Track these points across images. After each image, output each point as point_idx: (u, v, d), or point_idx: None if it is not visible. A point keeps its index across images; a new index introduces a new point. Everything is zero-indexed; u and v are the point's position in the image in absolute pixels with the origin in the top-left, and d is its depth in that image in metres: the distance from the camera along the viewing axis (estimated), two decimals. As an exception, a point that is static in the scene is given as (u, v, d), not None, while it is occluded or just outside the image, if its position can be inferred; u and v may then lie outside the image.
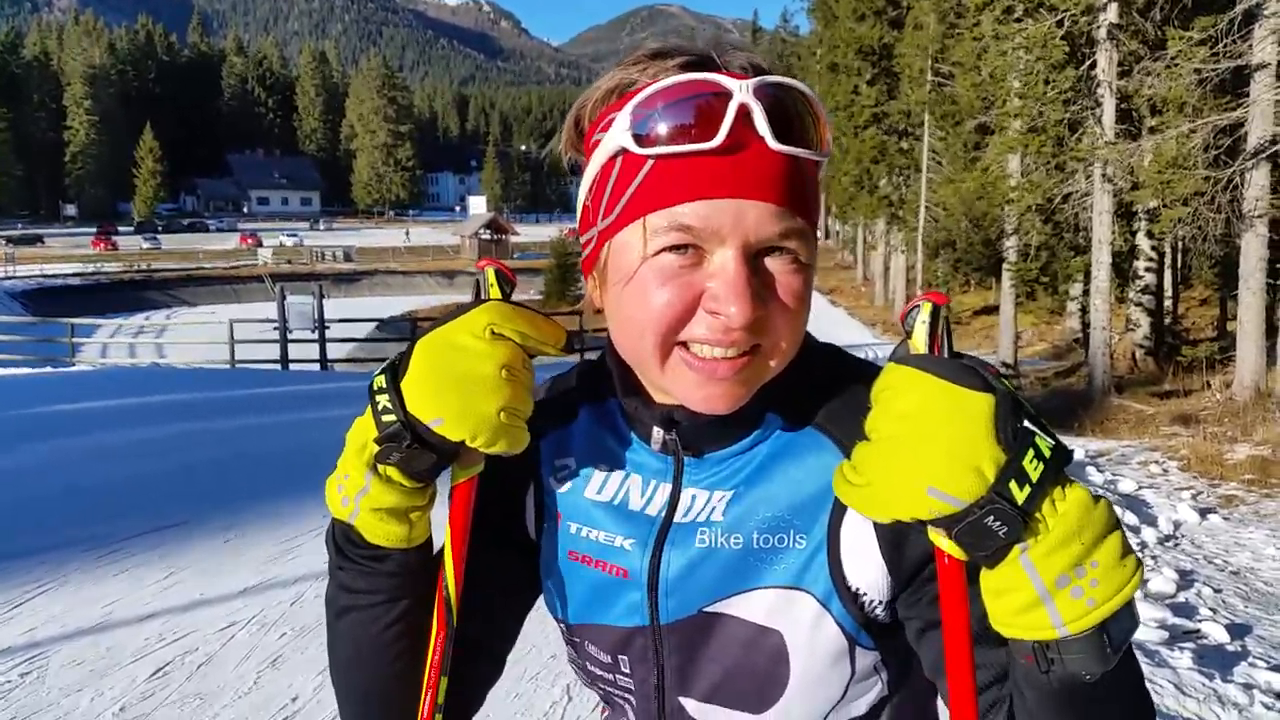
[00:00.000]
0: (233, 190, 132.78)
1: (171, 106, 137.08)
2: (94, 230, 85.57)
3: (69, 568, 5.12)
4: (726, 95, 0.79)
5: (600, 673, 1.02)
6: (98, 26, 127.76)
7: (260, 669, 4.04)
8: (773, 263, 0.82)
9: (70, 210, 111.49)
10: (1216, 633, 4.99)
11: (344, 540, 0.91)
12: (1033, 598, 0.69)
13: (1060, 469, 0.69)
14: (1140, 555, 0.75)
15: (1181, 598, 5.60)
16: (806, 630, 0.90)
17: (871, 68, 34.77)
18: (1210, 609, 5.43)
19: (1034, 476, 0.68)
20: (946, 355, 0.74)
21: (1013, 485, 0.67)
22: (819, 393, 0.94)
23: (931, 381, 0.71)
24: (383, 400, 0.84)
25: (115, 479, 7.04)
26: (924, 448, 0.69)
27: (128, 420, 9.85)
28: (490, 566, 1.02)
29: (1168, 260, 24.28)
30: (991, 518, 0.67)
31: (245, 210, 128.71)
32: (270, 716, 3.62)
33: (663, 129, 0.80)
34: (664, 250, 0.81)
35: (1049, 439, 0.69)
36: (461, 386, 0.82)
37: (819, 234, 0.90)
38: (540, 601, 1.10)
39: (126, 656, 4.13)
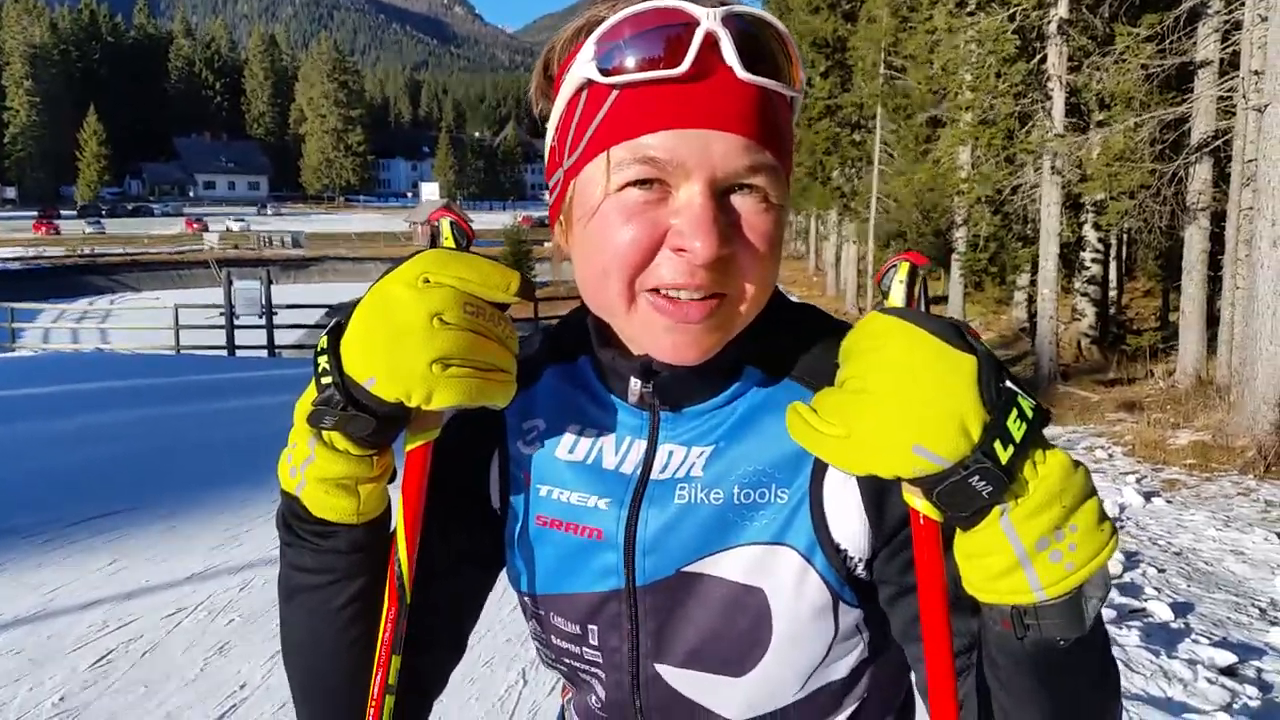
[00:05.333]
0: (179, 174, 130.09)
1: (116, 88, 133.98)
2: (35, 214, 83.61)
3: (8, 555, 5.00)
4: (694, 23, 0.76)
5: (566, 645, 0.97)
6: (38, 5, 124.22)
7: (207, 656, 3.97)
8: (741, 201, 0.79)
9: (10, 193, 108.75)
10: (1161, 611, 5.10)
11: (291, 515, 0.86)
12: (1012, 561, 0.67)
13: (1041, 430, 0.67)
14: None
15: (1128, 578, 5.71)
16: (790, 587, 0.87)
17: (825, 60, 34.85)
18: (1155, 588, 5.55)
19: (1017, 436, 0.66)
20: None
21: (997, 444, 0.65)
22: (798, 345, 0.91)
23: (920, 334, 0.68)
24: (322, 362, 0.78)
25: (58, 465, 6.88)
26: (912, 403, 0.66)
27: (70, 406, 9.63)
28: (452, 541, 0.97)
29: (1113, 252, 24.74)
30: (976, 477, 0.65)
31: (191, 195, 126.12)
32: (218, 703, 3.56)
33: (628, 59, 0.77)
34: (628, 185, 0.78)
35: (1030, 399, 0.68)
36: (390, 341, 0.75)
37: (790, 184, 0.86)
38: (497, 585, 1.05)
39: (68, 644, 4.04)
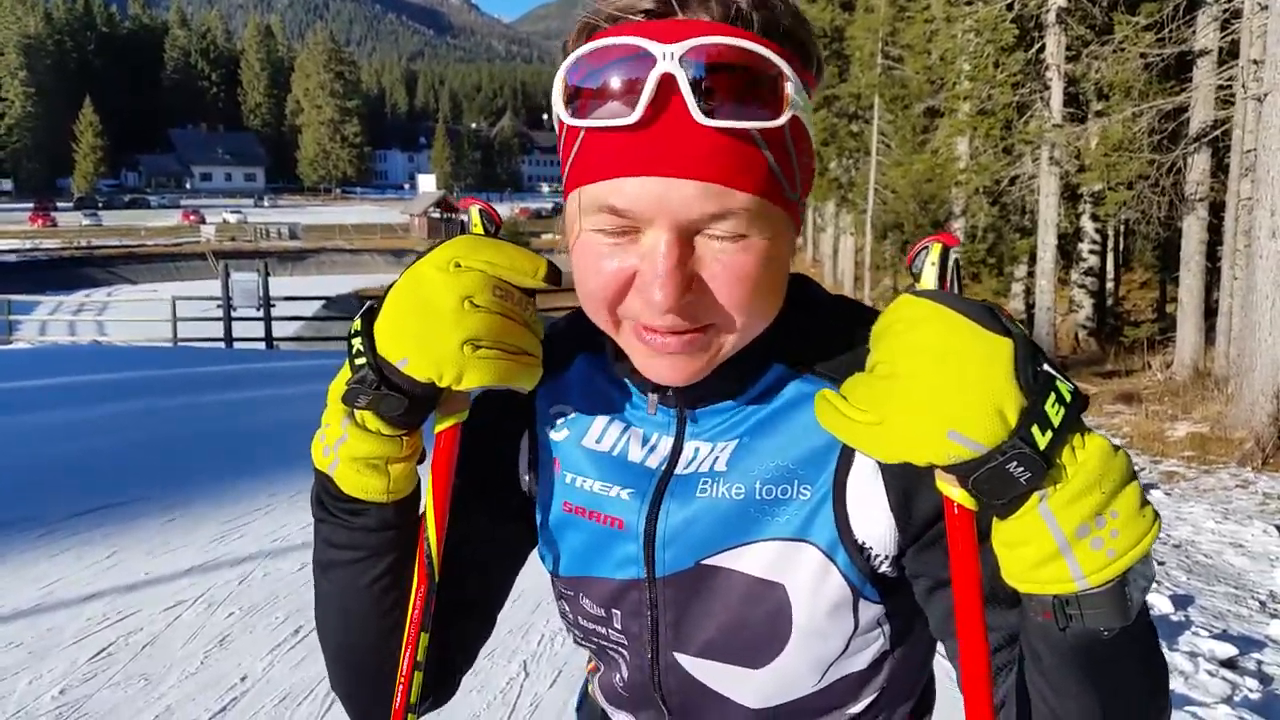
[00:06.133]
0: (175, 166, 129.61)
1: (112, 80, 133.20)
2: (31, 206, 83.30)
3: (6, 548, 4.98)
4: (651, 63, 0.71)
5: (592, 626, 0.99)
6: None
7: (207, 649, 3.96)
8: (712, 242, 0.75)
9: (6, 185, 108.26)
10: (1161, 604, 5.11)
11: (324, 493, 0.88)
12: (1052, 549, 0.65)
13: (1080, 415, 0.66)
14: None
15: (1126, 571, 5.71)
16: (810, 583, 0.86)
17: (823, 50, 34.84)
18: (1155, 581, 5.55)
19: (1056, 421, 0.64)
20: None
21: (1035, 429, 0.63)
22: (826, 342, 0.89)
23: (954, 317, 0.67)
24: (356, 343, 0.81)
25: (55, 458, 6.86)
26: (946, 387, 0.65)
27: (68, 399, 9.61)
28: (481, 521, 0.99)
29: (1110, 243, 24.72)
30: (1014, 463, 0.63)
31: (188, 186, 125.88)
32: (218, 697, 3.54)
33: (588, 100, 0.74)
34: (596, 229, 0.77)
35: (1069, 383, 0.66)
36: (422, 322, 0.78)
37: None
38: None
39: (67, 637, 4.03)
